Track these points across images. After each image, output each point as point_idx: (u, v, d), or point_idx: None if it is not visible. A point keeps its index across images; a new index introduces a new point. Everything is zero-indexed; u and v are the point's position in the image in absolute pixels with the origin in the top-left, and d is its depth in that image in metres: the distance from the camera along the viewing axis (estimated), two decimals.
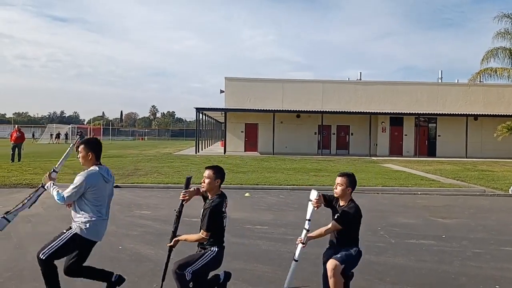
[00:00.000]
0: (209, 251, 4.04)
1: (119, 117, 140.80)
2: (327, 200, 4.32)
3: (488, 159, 27.44)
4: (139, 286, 4.67)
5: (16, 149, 20.31)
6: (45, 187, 4.15)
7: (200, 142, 31.82)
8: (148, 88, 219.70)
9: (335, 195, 4.21)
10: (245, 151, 31.12)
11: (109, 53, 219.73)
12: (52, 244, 3.96)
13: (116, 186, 12.18)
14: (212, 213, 4.03)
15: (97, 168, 4.05)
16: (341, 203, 4.20)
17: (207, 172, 4.11)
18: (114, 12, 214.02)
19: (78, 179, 3.97)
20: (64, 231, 4.05)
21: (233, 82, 31.62)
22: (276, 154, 28.19)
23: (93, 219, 4.02)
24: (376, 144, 30.82)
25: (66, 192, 3.98)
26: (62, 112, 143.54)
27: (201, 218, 4.12)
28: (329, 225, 4.14)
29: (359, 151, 30.32)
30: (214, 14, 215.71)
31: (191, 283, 3.96)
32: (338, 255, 4.03)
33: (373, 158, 26.75)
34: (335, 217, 4.13)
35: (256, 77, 33.20)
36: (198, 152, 29.54)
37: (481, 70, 24.53)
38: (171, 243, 4.25)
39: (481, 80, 26.03)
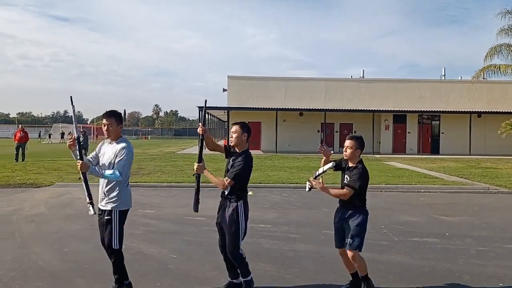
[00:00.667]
0: (240, 216, 4.26)
1: (122, 116, 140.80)
2: (337, 164, 4.50)
3: (492, 156, 27.31)
4: (142, 285, 4.68)
5: (20, 149, 20.38)
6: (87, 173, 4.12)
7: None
8: (151, 87, 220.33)
9: (345, 157, 4.41)
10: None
11: (111, 53, 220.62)
12: (113, 233, 4.13)
13: None
14: (246, 165, 4.23)
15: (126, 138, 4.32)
16: (350, 164, 4.38)
17: (234, 127, 4.32)
18: (116, 12, 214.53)
19: (124, 151, 4.09)
20: (106, 217, 4.13)
21: (235, 81, 31.60)
22: (279, 152, 28.18)
23: (127, 188, 4.29)
24: (379, 142, 30.76)
25: (120, 167, 4.05)
26: (65, 112, 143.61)
27: (228, 168, 4.29)
28: (344, 190, 4.30)
29: None
30: (215, 13, 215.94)
31: (243, 254, 4.35)
32: (352, 241, 4.25)
33: (376, 156, 26.69)
34: (347, 182, 4.30)
35: (258, 75, 33.17)
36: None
37: (484, 67, 24.41)
38: (196, 169, 4.39)
39: (485, 77, 25.89)
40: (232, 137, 4.32)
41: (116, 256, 4.20)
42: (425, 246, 6.43)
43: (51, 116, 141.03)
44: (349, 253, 4.27)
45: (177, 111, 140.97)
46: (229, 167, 4.30)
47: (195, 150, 30.81)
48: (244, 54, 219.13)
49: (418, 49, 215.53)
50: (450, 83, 32.69)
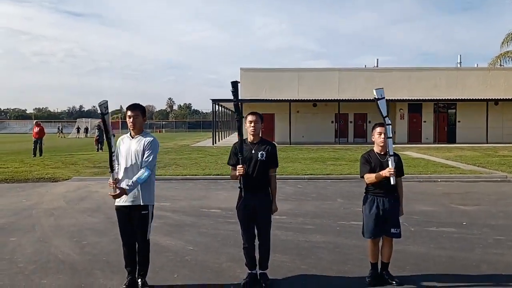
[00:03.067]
0: (270, 200, 4.45)
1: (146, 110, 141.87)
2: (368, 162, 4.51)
3: (510, 144, 26.86)
4: (160, 276, 4.75)
5: (37, 144, 20.69)
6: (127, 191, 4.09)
7: (216, 133, 31.92)
8: (165, 81, 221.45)
9: (381, 144, 4.42)
10: None
11: (124, 47, 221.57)
12: (149, 226, 4.32)
13: None
14: (276, 150, 4.48)
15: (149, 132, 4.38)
16: (383, 151, 4.45)
17: (253, 117, 4.39)
18: (129, 6, 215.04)
19: (151, 145, 4.17)
20: (142, 212, 4.24)
21: (248, 73, 31.53)
22: (293, 143, 28.11)
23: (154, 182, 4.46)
24: (395, 132, 30.43)
25: (149, 164, 4.16)
26: (81, 107, 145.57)
27: (265, 159, 4.35)
28: (400, 188, 4.48)
29: None
30: (227, 4, 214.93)
31: None
32: (399, 230, 4.44)
33: None
34: (399, 172, 4.42)
35: (271, 67, 33.04)
36: (215, 143, 29.67)
37: (501, 54, 24.00)
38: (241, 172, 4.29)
39: (502, 64, 25.45)
40: (253, 127, 4.38)
41: (148, 248, 4.38)
42: (442, 235, 6.39)
43: (67, 111, 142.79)
44: (391, 241, 4.46)
45: (191, 104, 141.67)
46: (261, 158, 4.33)
47: (209, 143, 30.95)
48: (257, 45, 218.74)
49: (433, 36, 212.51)
50: (466, 70, 32.15)
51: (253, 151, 4.35)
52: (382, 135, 4.39)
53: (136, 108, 4.25)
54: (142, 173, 4.08)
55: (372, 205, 4.41)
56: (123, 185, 4.11)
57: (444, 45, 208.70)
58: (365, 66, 36.18)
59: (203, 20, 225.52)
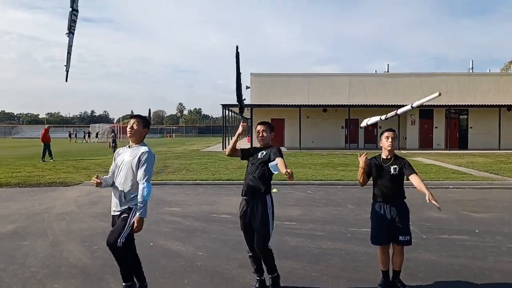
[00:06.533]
0: (270, 207, 4.35)
1: (147, 115, 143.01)
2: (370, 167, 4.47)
3: None
4: (171, 282, 4.76)
5: (46, 149, 20.86)
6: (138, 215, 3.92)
7: (226, 138, 32.00)
8: (175, 86, 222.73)
9: (388, 148, 4.41)
10: None
11: (135, 52, 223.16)
12: (125, 230, 3.89)
13: None
14: (280, 150, 4.39)
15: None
16: (389, 156, 4.43)
17: (262, 127, 4.48)
18: (140, 11, 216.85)
19: (147, 156, 4.00)
20: (125, 215, 3.95)
21: (258, 78, 31.60)
22: (302, 149, 28.07)
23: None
24: (406, 137, 30.28)
25: (148, 178, 3.95)
26: (92, 112, 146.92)
27: (263, 157, 4.35)
28: (417, 180, 4.24)
29: None
30: (237, 10, 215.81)
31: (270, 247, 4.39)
32: (409, 237, 4.34)
33: (402, 151, 26.29)
34: (408, 170, 4.33)
35: (281, 72, 33.08)
36: (225, 148, 29.70)
37: None
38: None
39: None
40: (263, 136, 4.46)
41: (121, 253, 3.98)
42: (454, 243, 6.32)
43: (78, 116, 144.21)
44: (401, 249, 4.37)
45: (201, 109, 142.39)
46: (264, 157, 4.35)
47: (219, 148, 31.03)
48: (267, 50, 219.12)
49: (444, 41, 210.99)
50: (478, 76, 31.87)
51: (258, 154, 4.41)
52: (390, 139, 4.39)
53: (137, 116, 4.20)
54: (143, 188, 3.88)
55: (379, 212, 4.38)
56: (118, 204, 4.01)
57: (455, 50, 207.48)
58: (376, 71, 36.03)
59: (214, 26, 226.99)
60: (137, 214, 3.88)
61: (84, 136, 56.46)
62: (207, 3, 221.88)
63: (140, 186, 3.90)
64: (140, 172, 3.93)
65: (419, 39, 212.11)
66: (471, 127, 30.46)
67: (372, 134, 31.34)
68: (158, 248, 6.08)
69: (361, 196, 10.41)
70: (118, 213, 4.03)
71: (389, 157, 4.42)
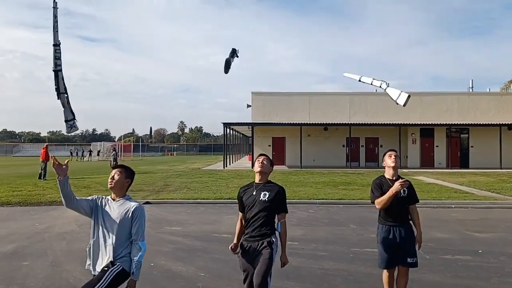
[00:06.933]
0: (275, 246, 3.86)
1: (148, 133, 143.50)
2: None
3: None
4: None
5: (43, 167, 20.78)
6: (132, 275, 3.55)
7: (228, 156, 31.98)
8: (176, 104, 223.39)
9: (392, 164, 4.42)
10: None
11: (137, 71, 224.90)
12: (99, 285, 3.44)
13: (147, 202, 12.36)
14: (285, 194, 4.07)
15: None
16: (394, 177, 4.42)
17: (263, 157, 4.22)
18: (143, 31, 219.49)
19: (140, 212, 3.61)
20: (105, 268, 3.52)
21: (259, 96, 31.77)
22: (304, 167, 28.04)
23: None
24: (407, 156, 30.26)
25: (143, 237, 3.61)
26: (94, 130, 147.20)
27: (268, 200, 3.90)
28: (415, 212, 4.44)
29: None
30: (238, 29, 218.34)
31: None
32: (414, 260, 4.31)
33: (403, 170, 26.24)
34: (413, 200, 4.42)
35: (282, 90, 33.28)
36: (226, 166, 29.69)
37: None
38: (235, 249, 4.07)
39: None
40: (263, 163, 4.10)
41: None
42: (457, 264, 6.27)
43: (80, 134, 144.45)
44: (407, 278, 4.37)
45: (202, 127, 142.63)
46: (263, 198, 3.91)
47: (220, 166, 30.97)
48: (267, 69, 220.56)
49: (444, 60, 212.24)
50: (478, 95, 32.02)
51: (254, 192, 3.97)
52: (393, 156, 4.41)
53: (121, 166, 3.79)
54: (137, 250, 3.55)
55: (387, 235, 4.32)
56: (104, 261, 3.56)
57: (455, 68, 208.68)
58: (376, 90, 36.18)
59: (216, 45, 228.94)
60: (133, 278, 3.52)
61: (84, 154, 56.48)
62: (208, 24, 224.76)
63: (136, 246, 3.56)
64: (134, 230, 3.58)
65: (419, 58, 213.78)
66: (472, 146, 30.46)
67: (373, 153, 31.33)
68: (159, 269, 6.03)
69: (363, 215, 10.36)
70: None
71: (394, 178, 4.39)
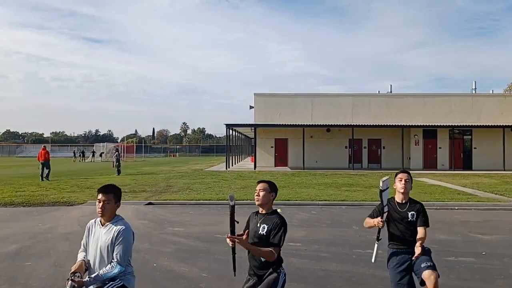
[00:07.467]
0: (282, 275, 3.60)
1: (151, 134, 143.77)
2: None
3: None
4: None
5: (43, 168, 20.71)
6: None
7: (230, 158, 32.00)
8: (179, 106, 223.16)
9: (401, 190, 4.13)
10: (275, 166, 31.03)
11: (141, 72, 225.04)
12: None
13: (150, 203, 12.37)
14: (286, 228, 3.63)
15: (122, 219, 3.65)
16: (404, 200, 4.15)
17: (261, 185, 3.73)
18: (147, 32, 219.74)
19: (126, 235, 3.49)
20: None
21: (262, 98, 31.79)
22: (306, 169, 28.01)
23: (132, 277, 3.62)
24: (409, 158, 30.20)
25: (122, 259, 3.44)
26: (97, 131, 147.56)
27: (266, 234, 3.59)
28: (422, 234, 4.06)
29: (392, 164, 29.71)
30: (241, 31, 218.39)
31: None
32: (431, 264, 3.95)
33: None
34: (421, 221, 4.11)
35: (285, 92, 33.28)
36: (229, 168, 29.70)
37: None
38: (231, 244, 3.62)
39: None
40: (259, 195, 3.68)
41: None
42: (461, 266, 6.24)
43: (83, 135, 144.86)
44: (434, 275, 3.86)
45: (204, 128, 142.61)
46: (262, 231, 3.61)
47: (222, 167, 30.98)
48: (270, 70, 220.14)
49: (448, 61, 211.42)
50: (481, 96, 31.94)
51: (258, 224, 3.67)
52: (403, 181, 4.11)
53: (108, 191, 3.59)
54: (111, 268, 3.39)
55: (398, 261, 4.04)
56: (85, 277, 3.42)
57: (459, 70, 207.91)
58: (379, 91, 36.21)
59: (219, 46, 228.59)
60: (86, 279, 3.35)
61: (94, 155, 56.56)
62: (211, 25, 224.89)
63: (111, 264, 3.42)
64: (115, 252, 3.44)
65: (423, 59, 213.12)
66: (475, 148, 30.37)
67: (376, 154, 31.29)
68: (161, 269, 6.04)
69: (366, 217, 10.33)
70: None
71: (404, 201, 4.14)
